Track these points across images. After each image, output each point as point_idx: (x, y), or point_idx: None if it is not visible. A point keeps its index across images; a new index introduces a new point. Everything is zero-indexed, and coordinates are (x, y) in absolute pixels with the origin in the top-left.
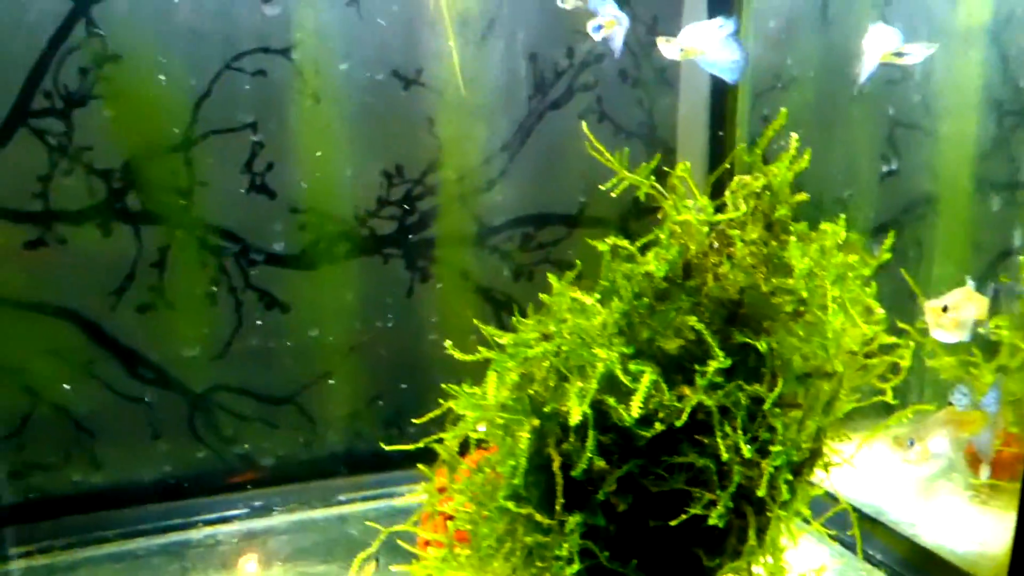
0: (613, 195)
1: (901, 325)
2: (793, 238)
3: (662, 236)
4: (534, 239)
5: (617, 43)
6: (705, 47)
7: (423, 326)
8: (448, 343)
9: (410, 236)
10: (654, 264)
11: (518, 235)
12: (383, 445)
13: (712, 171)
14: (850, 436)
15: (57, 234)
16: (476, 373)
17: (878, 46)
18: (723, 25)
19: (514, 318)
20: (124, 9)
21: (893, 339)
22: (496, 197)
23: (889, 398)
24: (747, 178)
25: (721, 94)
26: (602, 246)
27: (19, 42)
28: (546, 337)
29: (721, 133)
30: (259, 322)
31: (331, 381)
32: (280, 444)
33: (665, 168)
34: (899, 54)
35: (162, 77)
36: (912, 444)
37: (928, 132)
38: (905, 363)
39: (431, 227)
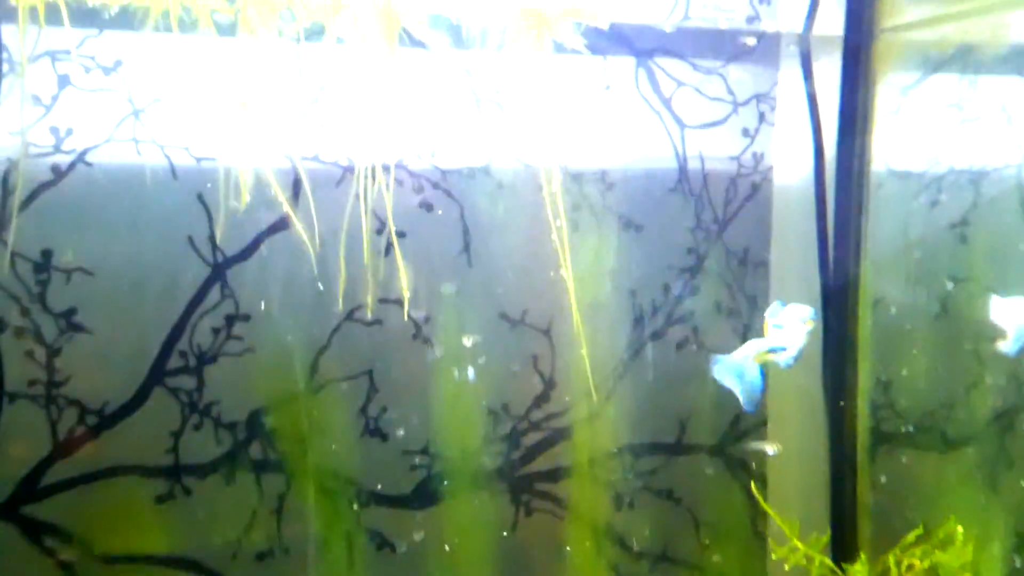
0: None
1: None
2: None
3: None
4: (634, 468)
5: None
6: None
7: (529, 560)
8: None
9: (515, 471)
10: None
11: (619, 465)
12: None
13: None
14: None
15: (185, 486)
16: None
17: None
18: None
19: None
20: (255, 272)
21: None
22: (597, 429)
23: None
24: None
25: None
26: None
27: (162, 306)
28: None
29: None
30: (371, 563)
31: None
32: None
33: None
34: None
35: (287, 333)
36: None
37: None
38: None
39: (535, 461)
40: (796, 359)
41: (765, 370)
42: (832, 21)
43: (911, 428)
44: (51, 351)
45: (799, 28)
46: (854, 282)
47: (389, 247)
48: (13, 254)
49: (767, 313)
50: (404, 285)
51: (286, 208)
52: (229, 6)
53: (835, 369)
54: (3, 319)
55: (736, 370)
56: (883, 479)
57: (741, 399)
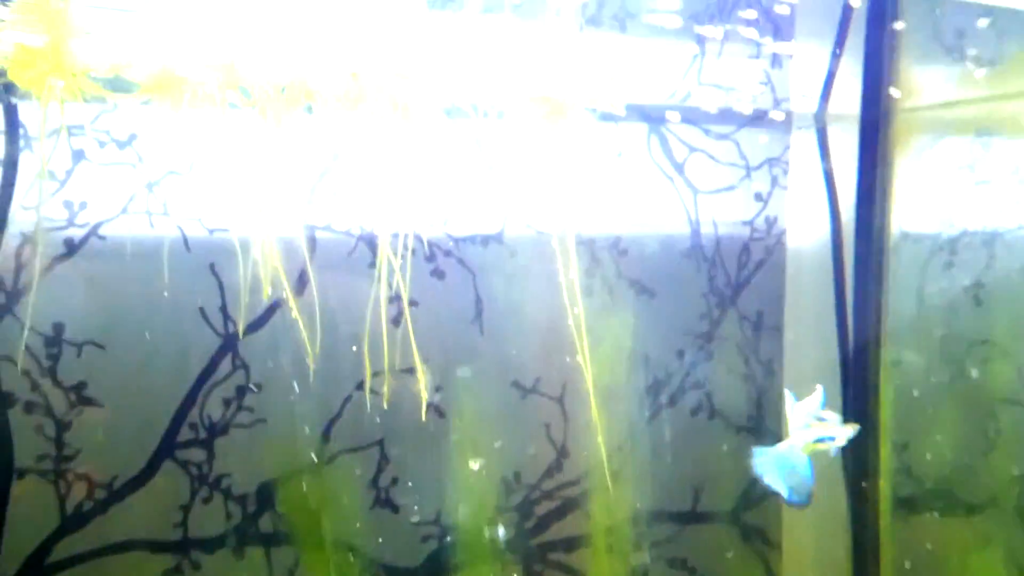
0: None
1: None
2: None
3: None
4: (648, 537)
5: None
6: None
7: None
8: None
9: (528, 541)
10: None
11: (633, 533)
12: None
13: None
14: None
15: (193, 561)
16: None
17: None
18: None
19: None
20: (267, 343)
21: None
22: (610, 497)
23: None
24: None
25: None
26: None
27: (173, 378)
28: None
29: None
30: None
31: None
32: None
33: None
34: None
35: (298, 404)
36: None
37: None
38: None
39: (548, 531)
40: (844, 448)
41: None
42: (846, 93)
43: (928, 492)
44: (61, 425)
45: (811, 93)
46: (874, 355)
47: (401, 316)
48: (24, 328)
49: (800, 400)
50: (416, 354)
51: (298, 278)
52: (247, 99)
53: (857, 450)
54: (13, 394)
55: (783, 463)
56: (903, 548)
57: (788, 494)
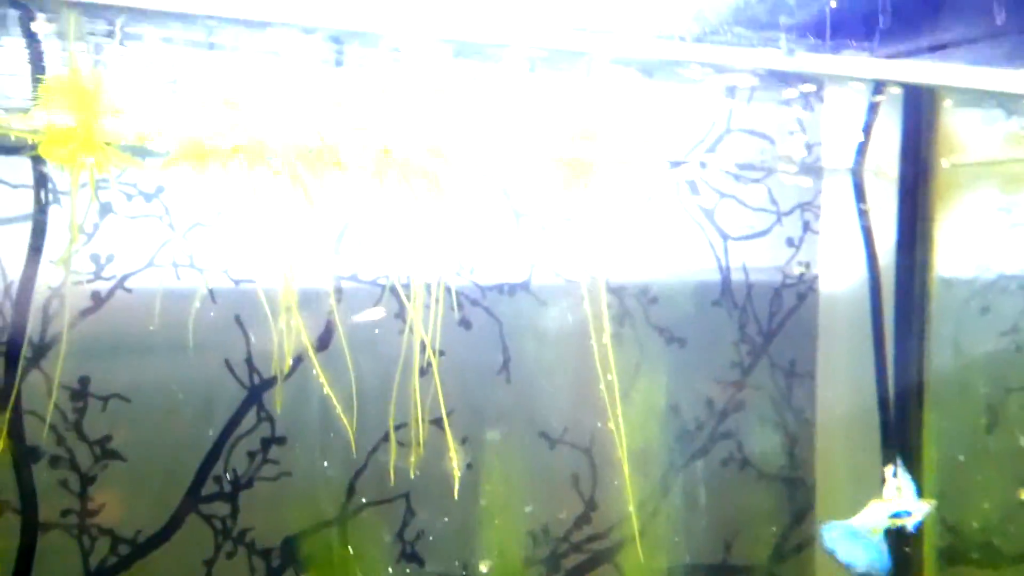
0: None
1: None
2: None
3: None
4: None
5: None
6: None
7: None
8: None
9: None
10: None
11: None
12: None
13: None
14: None
15: None
16: None
17: None
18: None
19: None
20: (291, 394)
21: None
22: (640, 550)
23: None
24: None
25: None
26: None
27: (198, 431)
28: None
29: None
30: None
31: None
32: None
33: None
34: None
35: (323, 456)
36: None
37: None
38: None
39: None
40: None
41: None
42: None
43: (965, 542)
44: (85, 479)
45: (846, 141)
46: (915, 406)
47: (428, 366)
48: (50, 381)
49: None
50: (442, 405)
51: (324, 329)
52: (276, 168)
53: None
54: (39, 448)
55: (857, 538)
56: None
57: (862, 570)
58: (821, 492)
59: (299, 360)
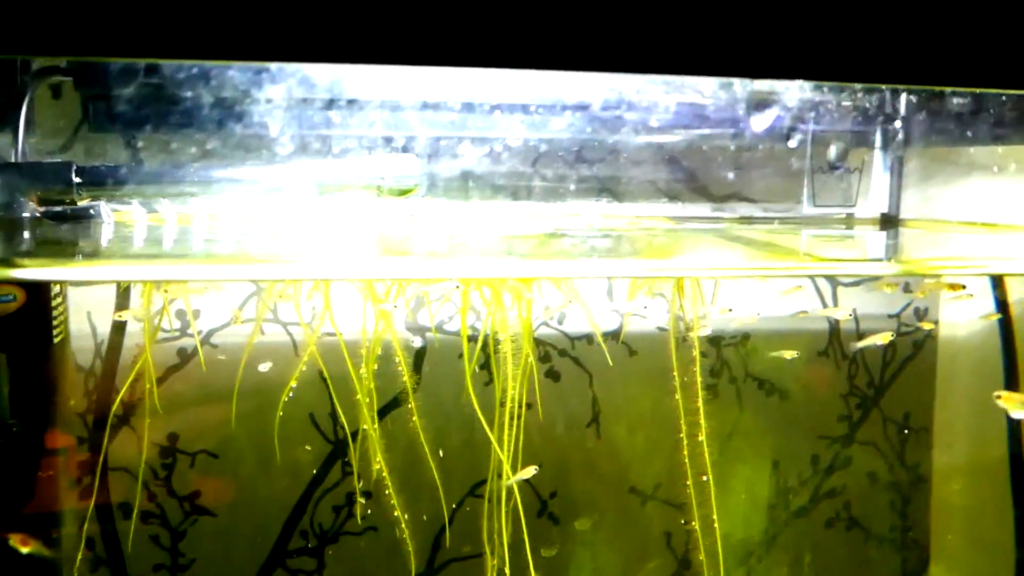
0: None
1: None
2: None
3: None
4: None
5: None
6: None
7: None
8: None
9: None
10: None
11: None
12: None
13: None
14: None
15: None
16: None
17: None
18: None
19: None
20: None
21: None
22: None
23: None
24: None
25: None
26: None
27: (283, 485)
28: None
29: None
30: None
31: None
32: None
33: None
34: None
35: (409, 510)
36: None
37: None
38: None
39: None
40: None
41: None
42: None
43: None
44: (176, 535)
45: None
46: None
47: (515, 419)
48: (141, 438)
49: None
50: (528, 459)
51: (409, 381)
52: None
53: None
54: (129, 504)
55: None
56: None
57: None
58: (936, 556)
59: (383, 413)
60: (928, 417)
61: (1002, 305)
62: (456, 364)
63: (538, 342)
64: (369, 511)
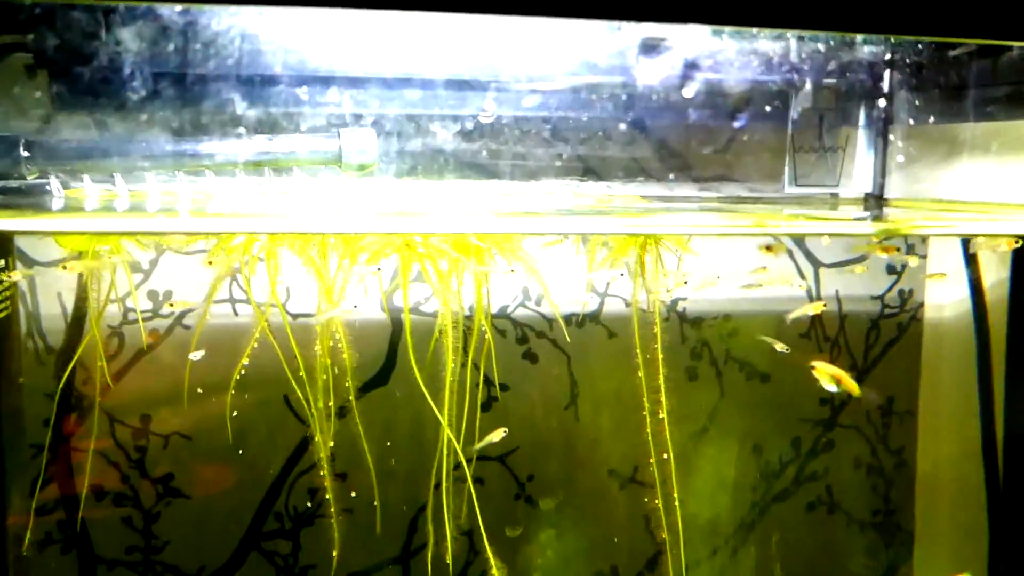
0: None
1: None
2: None
3: None
4: None
5: None
6: None
7: None
8: None
9: None
10: None
11: None
12: None
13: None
14: None
15: None
16: None
17: None
18: None
19: None
20: (351, 430)
21: None
22: None
23: None
24: None
25: None
26: None
27: (257, 467)
28: None
29: None
30: None
31: None
32: None
33: None
34: None
35: (385, 492)
36: None
37: None
38: None
39: None
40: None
41: None
42: None
43: None
44: (149, 517)
45: None
46: None
47: (492, 401)
48: (112, 420)
49: None
50: (505, 442)
51: (383, 363)
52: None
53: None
54: (102, 487)
55: None
56: None
57: None
58: (921, 540)
59: (359, 394)
60: (913, 401)
61: (975, 284)
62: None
63: (515, 323)
64: (354, 494)
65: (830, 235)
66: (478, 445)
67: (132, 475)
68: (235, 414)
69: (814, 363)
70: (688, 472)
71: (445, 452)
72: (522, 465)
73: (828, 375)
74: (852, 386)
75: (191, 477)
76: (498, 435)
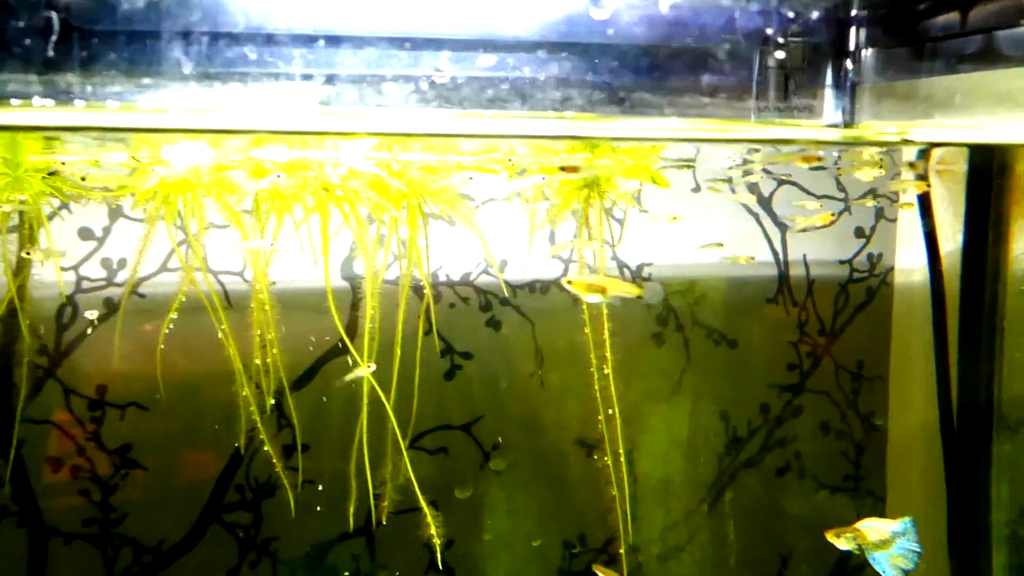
0: None
1: None
2: None
3: None
4: None
5: None
6: None
7: None
8: None
9: None
10: None
11: None
12: None
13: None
14: None
15: None
16: None
17: None
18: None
19: None
20: (312, 400)
21: None
22: (684, 565)
23: None
24: None
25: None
26: None
27: (218, 439)
28: None
29: None
30: None
31: None
32: None
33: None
34: None
35: (348, 463)
36: None
37: None
38: None
39: None
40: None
41: None
42: None
43: None
44: (107, 489)
45: None
46: (983, 416)
47: (455, 369)
48: (68, 391)
49: None
50: (471, 411)
51: (345, 331)
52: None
53: (967, 522)
54: (59, 458)
55: None
56: None
57: None
58: (892, 505)
59: (319, 364)
60: (883, 366)
61: (929, 235)
62: (393, 312)
63: (478, 290)
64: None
65: (799, 142)
66: (347, 377)
67: (88, 447)
68: (193, 383)
69: (568, 279)
70: (654, 438)
71: (394, 422)
72: (486, 434)
73: (585, 286)
74: (623, 288)
75: (149, 449)
76: (366, 371)
